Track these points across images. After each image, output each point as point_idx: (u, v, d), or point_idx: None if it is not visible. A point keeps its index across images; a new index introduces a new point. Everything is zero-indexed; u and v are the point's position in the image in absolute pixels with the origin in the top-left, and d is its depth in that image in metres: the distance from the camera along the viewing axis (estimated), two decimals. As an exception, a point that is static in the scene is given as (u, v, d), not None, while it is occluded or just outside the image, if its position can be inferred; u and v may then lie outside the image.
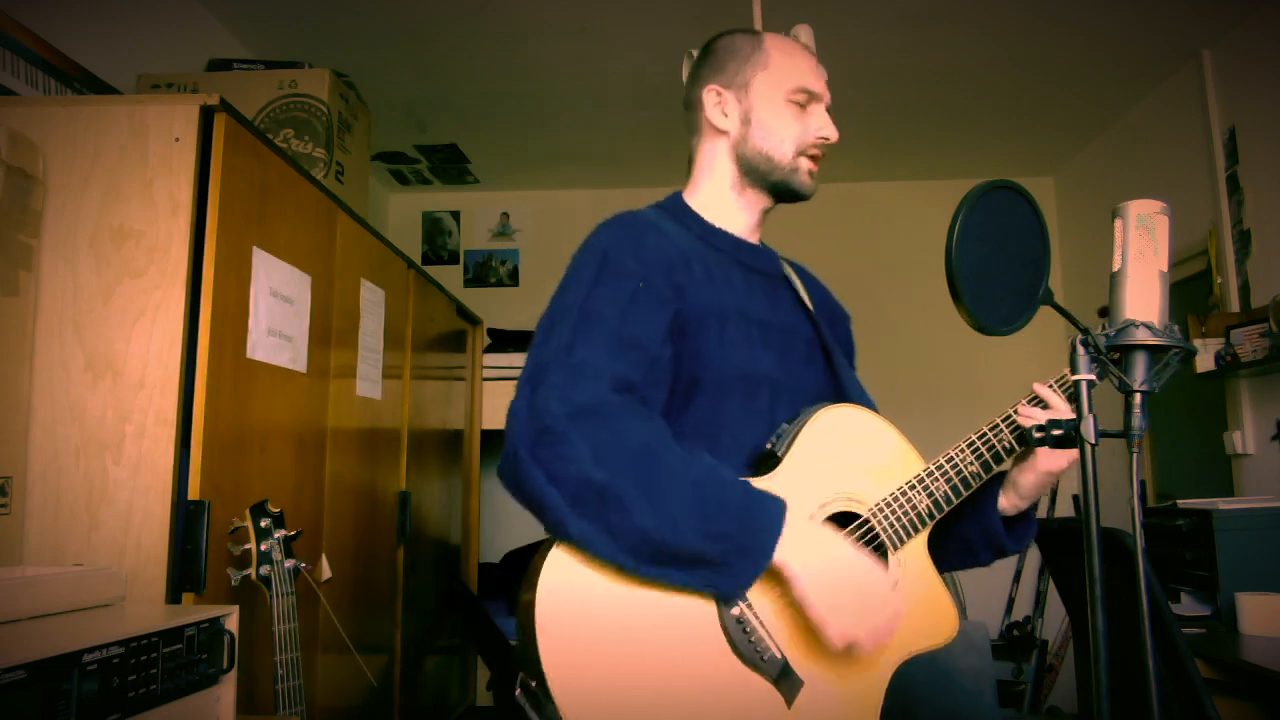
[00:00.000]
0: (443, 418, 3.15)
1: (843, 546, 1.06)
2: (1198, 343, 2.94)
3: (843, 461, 1.17)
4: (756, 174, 1.28)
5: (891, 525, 1.17)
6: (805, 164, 1.27)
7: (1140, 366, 1.03)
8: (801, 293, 1.36)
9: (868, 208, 4.60)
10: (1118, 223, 1.07)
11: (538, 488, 0.98)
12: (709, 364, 1.16)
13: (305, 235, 2.00)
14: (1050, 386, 1.24)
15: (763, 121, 1.26)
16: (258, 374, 1.77)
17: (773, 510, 1.03)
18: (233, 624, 1.33)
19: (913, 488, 1.19)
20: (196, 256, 1.59)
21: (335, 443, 2.14)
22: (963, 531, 1.29)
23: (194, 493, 1.54)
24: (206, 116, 1.62)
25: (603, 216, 1.23)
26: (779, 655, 1.04)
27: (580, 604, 0.98)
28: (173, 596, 1.51)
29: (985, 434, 1.23)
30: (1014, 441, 1.22)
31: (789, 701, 1.03)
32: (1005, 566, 4.11)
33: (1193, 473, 3.49)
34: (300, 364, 1.94)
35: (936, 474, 1.20)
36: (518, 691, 1.03)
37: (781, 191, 1.30)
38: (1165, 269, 1.05)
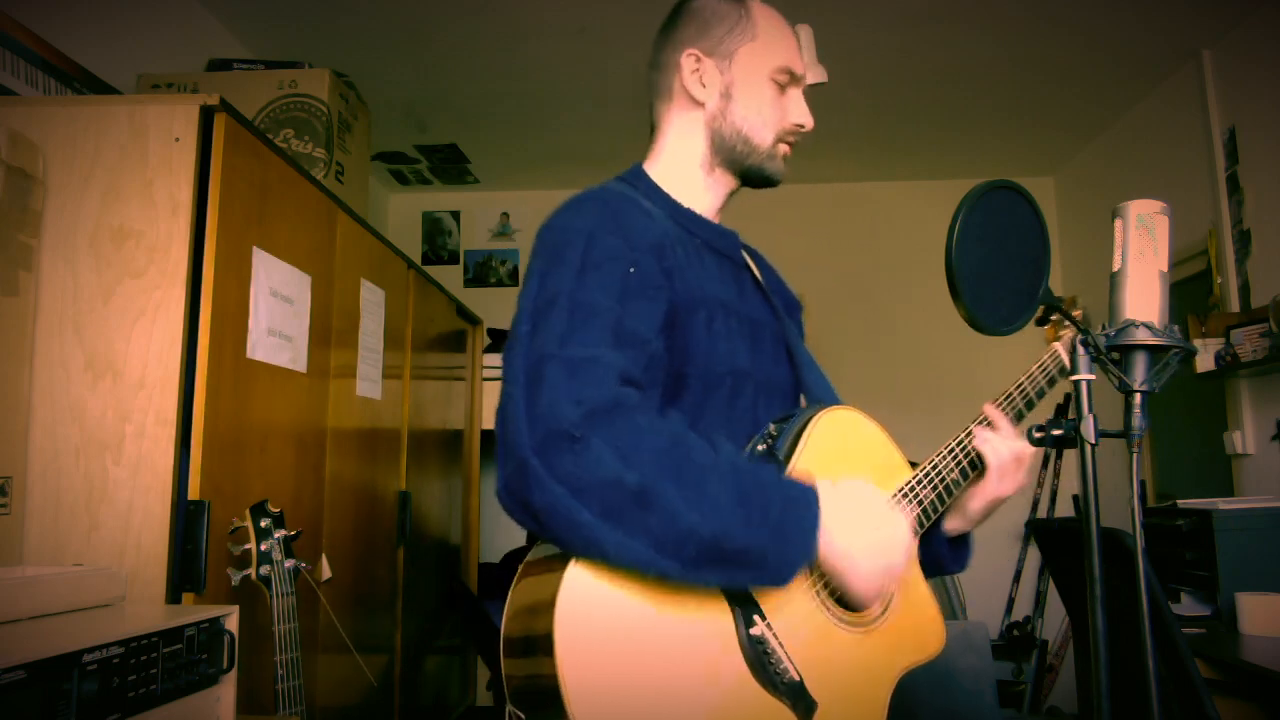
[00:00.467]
0: (443, 418, 3.15)
1: (870, 512, 1.03)
2: (1198, 343, 2.94)
3: (844, 467, 1.13)
4: (730, 155, 1.18)
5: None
6: (781, 149, 1.20)
7: (1140, 366, 1.03)
8: (759, 279, 1.28)
9: (868, 208, 4.60)
10: (1118, 223, 1.07)
11: (556, 502, 0.86)
12: (696, 360, 1.08)
13: (305, 235, 2.00)
14: (998, 405, 1.24)
15: (744, 99, 1.17)
16: (258, 374, 1.77)
17: (808, 494, 0.98)
18: (233, 624, 1.33)
19: (905, 496, 1.16)
20: (196, 256, 1.59)
21: (335, 443, 2.14)
22: None
23: (194, 493, 1.54)
24: (206, 116, 1.62)
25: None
26: (796, 677, 0.99)
27: (606, 637, 0.89)
28: (173, 596, 1.51)
29: (962, 439, 1.22)
30: (972, 460, 1.21)
31: None
32: (1005, 566, 4.14)
33: (1193, 473, 3.49)
34: (300, 364, 1.94)
35: (925, 481, 1.18)
36: None
37: (753, 177, 1.21)
38: (1165, 269, 1.05)
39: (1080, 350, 1.05)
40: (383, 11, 2.97)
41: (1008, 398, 1.28)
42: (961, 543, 1.28)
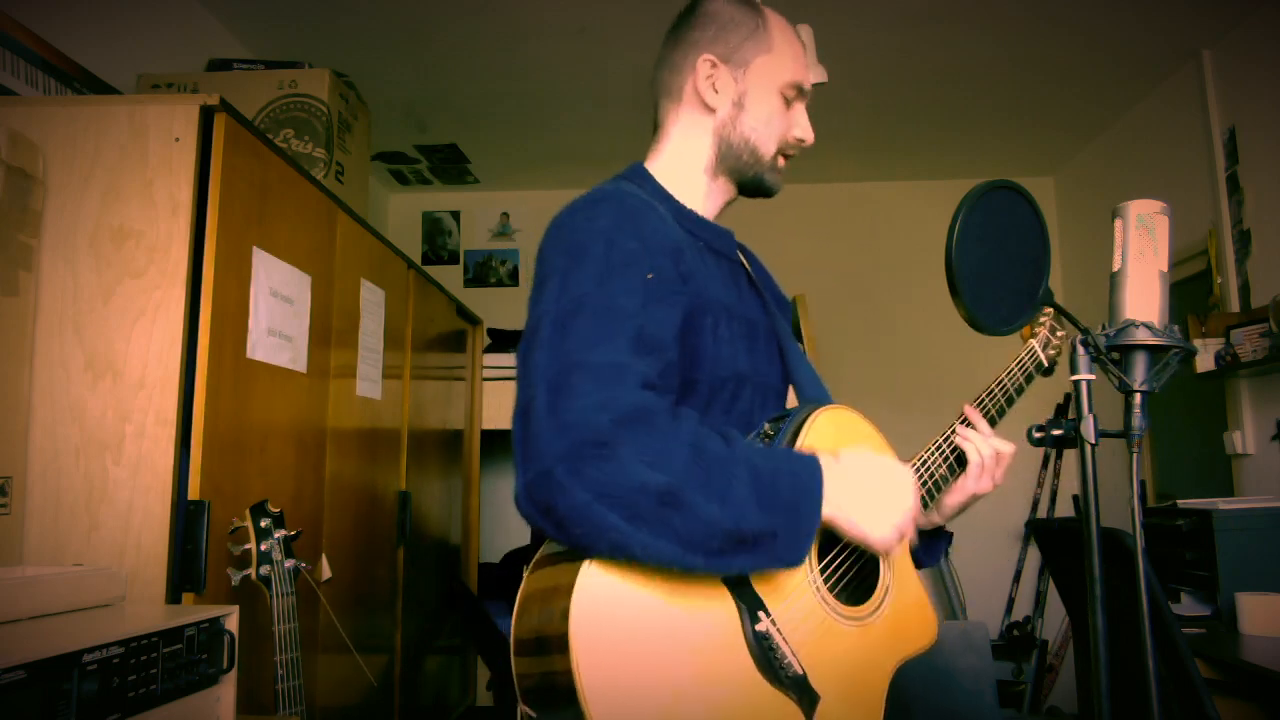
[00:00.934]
0: (443, 418, 3.15)
1: (867, 467, 1.06)
2: (1198, 343, 2.94)
3: None
4: (735, 163, 1.19)
5: None
6: (780, 162, 1.22)
7: (1140, 366, 1.03)
8: (753, 278, 1.30)
9: (868, 208, 4.60)
10: (1118, 223, 1.07)
11: (584, 510, 0.87)
12: (703, 365, 1.11)
13: (305, 235, 2.00)
14: (977, 404, 1.27)
15: (755, 110, 1.18)
16: (258, 374, 1.77)
17: (811, 465, 1.01)
18: (233, 624, 1.33)
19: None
20: (196, 256, 1.59)
21: (335, 443, 2.14)
22: None
23: (194, 493, 1.54)
24: (206, 116, 1.62)
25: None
26: (800, 671, 1.01)
27: (620, 634, 0.91)
28: (173, 596, 1.51)
29: (948, 435, 1.24)
30: (959, 457, 1.23)
31: (808, 717, 1.01)
32: (1005, 566, 4.14)
33: (1193, 473, 3.49)
34: (300, 364, 1.94)
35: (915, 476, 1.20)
36: None
37: (752, 186, 1.22)
38: (1165, 269, 1.05)
39: (1080, 350, 1.05)
40: (383, 11, 2.97)
41: (989, 394, 1.30)
42: (934, 536, 1.31)
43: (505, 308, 4.34)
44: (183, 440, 1.54)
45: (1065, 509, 4.14)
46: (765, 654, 0.98)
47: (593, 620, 0.89)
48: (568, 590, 0.90)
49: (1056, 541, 2.28)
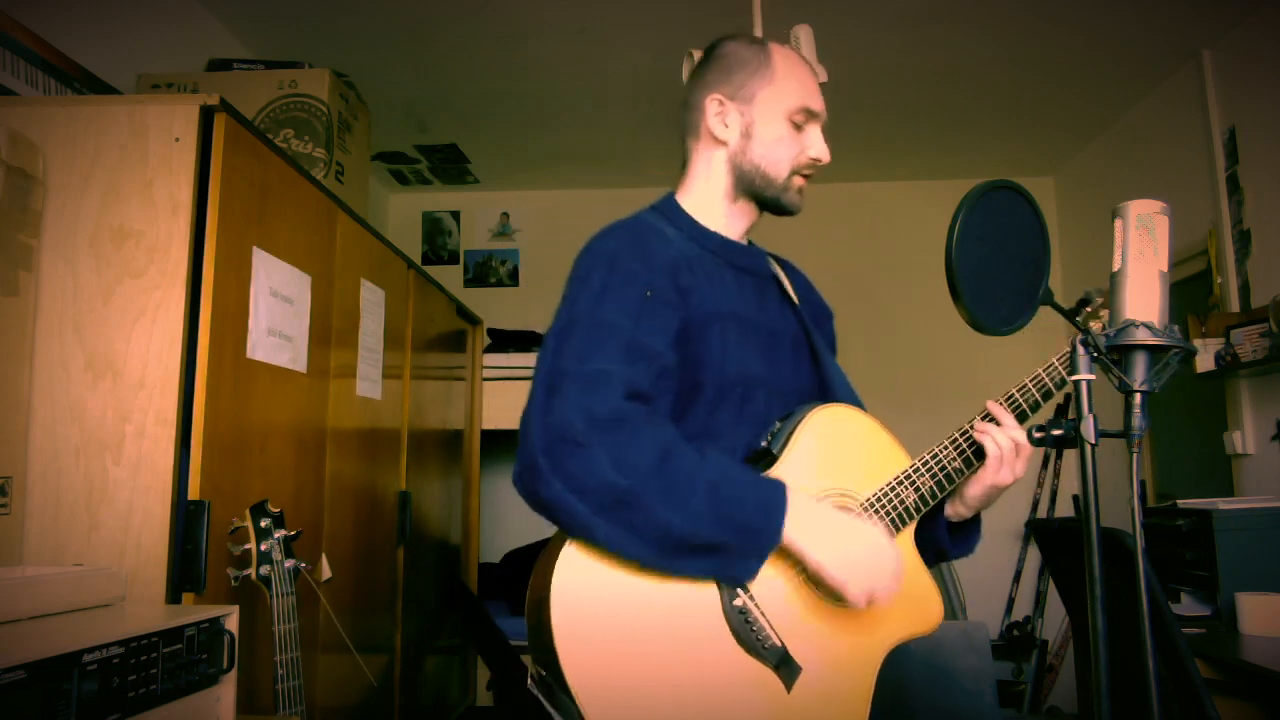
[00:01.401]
0: (443, 418, 3.15)
1: (841, 516, 1.13)
2: (1198, 343, 2.94)
3: (835, 459, 1.22)
4: (750, 187, 1.30)
5: (882, 519, 1.21)
6: (797, 182, 1.30)
7: (1140, 366, 1.03)
8: (789, 290, 1.39)
9: (868, 208, 4.60)
10: (1118, 223, 1.07)
11: (559, 498, 1.03)
12: (709, 369, 1.20)
13: (305, 235, 2.00)
14: (1001, 403, 1.28)
15: (763, 139, 1.28)
16: (258, 374, 1.77)
17: (777, 493, 1.09)
18: (233, 624, 1.33)
19: (900, 483, 1.23)
20: (196, 256, 1.59)
21: (335, 443, 2.14)
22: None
23: (194, 493, 1.54)
24: (206, 116, 1.62)
25: (603, 216, 1.25)
26: (778, 643, 1.10)
27: (592, 599, 1.04)
28: (173, 596, 1.51)
29: (966, 430, 1.26)
30: (977, 450, 1.25)
31: (788, 687, 1.09)
32: (1005, 566, 4.14)
33: (1193, 473, 3.49)
34: (300, 364, 1.94)
35: (922, 470, 1.24)
36: (530, 682, 1.11)
37: (772, 207, 1.33)
38: (1165, 269, 1.05)
39: (1080, 350, 1.05)
40: (383, 11, 2.97)
41: (1020, 388, 1.29)
42: (964, 529, 1.34)
43: (505, 308, 4.34)
44: (183, 440, 1.54)
45: (1065, 509, 4.14)
46: (742, 626, 1.08)
47: (570, 587, 1.04)
48: (553, 564, 1.05)
49: (1056, 541, 2.28)
